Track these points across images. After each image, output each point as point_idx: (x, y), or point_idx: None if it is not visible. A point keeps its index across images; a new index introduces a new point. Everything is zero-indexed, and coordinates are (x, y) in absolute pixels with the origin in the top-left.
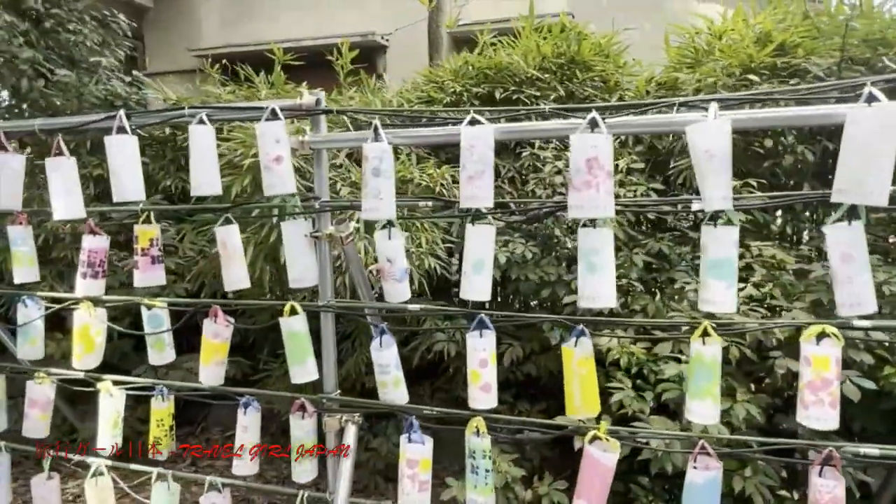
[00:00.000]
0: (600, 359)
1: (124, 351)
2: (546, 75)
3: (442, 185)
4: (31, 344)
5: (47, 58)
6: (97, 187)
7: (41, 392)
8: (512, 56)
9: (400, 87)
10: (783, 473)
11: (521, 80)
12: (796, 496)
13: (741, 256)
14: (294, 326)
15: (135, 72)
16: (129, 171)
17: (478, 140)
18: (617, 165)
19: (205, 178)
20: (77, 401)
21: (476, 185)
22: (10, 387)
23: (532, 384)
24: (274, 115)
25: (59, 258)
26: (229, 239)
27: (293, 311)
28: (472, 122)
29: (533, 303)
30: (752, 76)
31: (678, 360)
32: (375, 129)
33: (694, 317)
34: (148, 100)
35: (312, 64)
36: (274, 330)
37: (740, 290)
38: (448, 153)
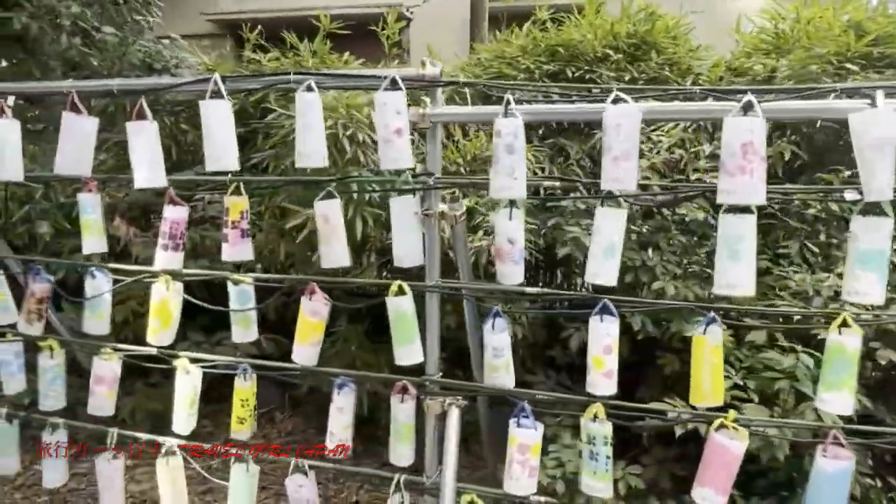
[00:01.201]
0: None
1: None
2: (617, 55)
3: None
4: (98, 318)
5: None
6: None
7: (108, 368)
8: (584, 34)
9: (460, 62)
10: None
11: (591, 59)
12: (879, 484)
13: (829, 246)
14: (402, 307)
15: (171, 34)
16: (223, 137)
17: (626, 119)
18: (703, 151)
19: (312, 148)
20: None
21: (622, 168)
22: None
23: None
24: (394, 85)
25: None
26: (331, 213)
27: (400, 291)
28: (615, 101)
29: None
30: (849, 65)
31: (778, 349)
32: (507, 103)
33: (802, 306)
34: (189, 63)
35: (344, 34)
36: None
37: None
38: None
